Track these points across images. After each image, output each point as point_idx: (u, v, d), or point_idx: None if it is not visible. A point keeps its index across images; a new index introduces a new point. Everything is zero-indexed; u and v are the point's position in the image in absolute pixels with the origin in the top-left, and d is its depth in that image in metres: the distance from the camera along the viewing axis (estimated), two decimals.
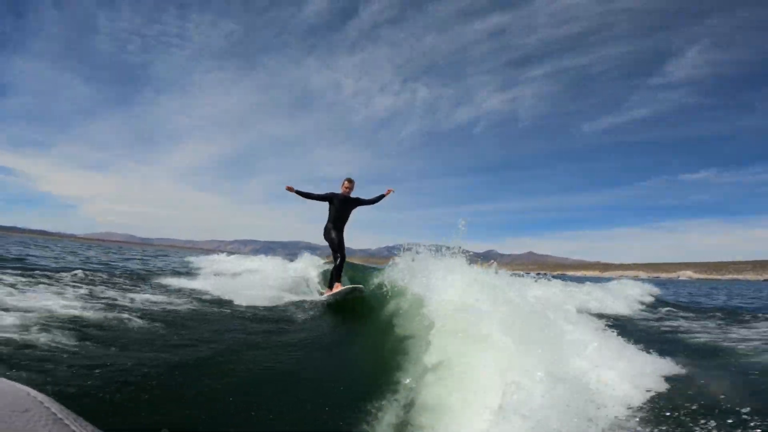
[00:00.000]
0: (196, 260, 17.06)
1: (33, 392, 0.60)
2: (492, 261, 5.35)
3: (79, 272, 7.82)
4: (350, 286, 6.56)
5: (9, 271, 7.18)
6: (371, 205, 7.07)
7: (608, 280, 14.35)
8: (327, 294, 6.71)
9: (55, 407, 0.59)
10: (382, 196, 7.02)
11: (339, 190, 6.96)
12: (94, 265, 11.93)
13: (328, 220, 6.85)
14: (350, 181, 6.88)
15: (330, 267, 7.31)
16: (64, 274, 7.39)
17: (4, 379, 0.61)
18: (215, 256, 18.29)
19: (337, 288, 6.54)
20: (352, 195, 6.92)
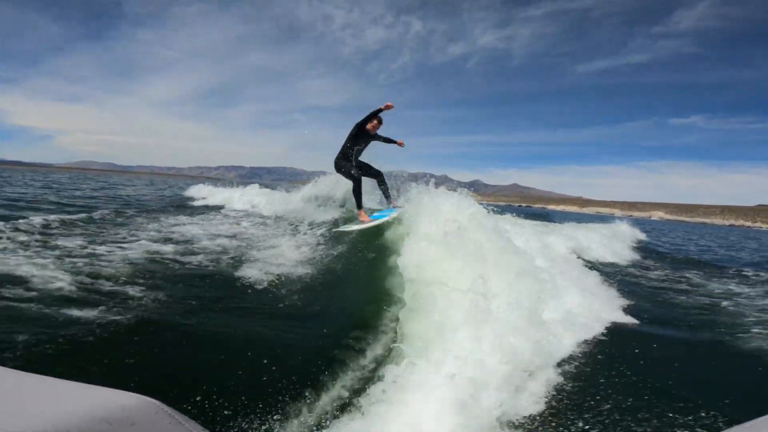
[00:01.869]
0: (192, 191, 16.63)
1: (152, 401, 0.65)
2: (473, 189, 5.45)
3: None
4: (372, 222, 6.37)
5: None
6: (380, 141, 7.05)
7: (586, 216, 14.49)
8: (360, 218, 6.63)
9: (171, 411, 0.66)
10: (393, 141, 7.06)
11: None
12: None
13: (341, 151, 6.80)
14: (380, 119, 6.74)
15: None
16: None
17: (127, 393, 0.66)
18: (206, 188, 17.74)
19: (362, 216, 6.57)
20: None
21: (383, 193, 7.27)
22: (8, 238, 4.66)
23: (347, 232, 6.23)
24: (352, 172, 6.72)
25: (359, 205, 6.70)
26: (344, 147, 6.82)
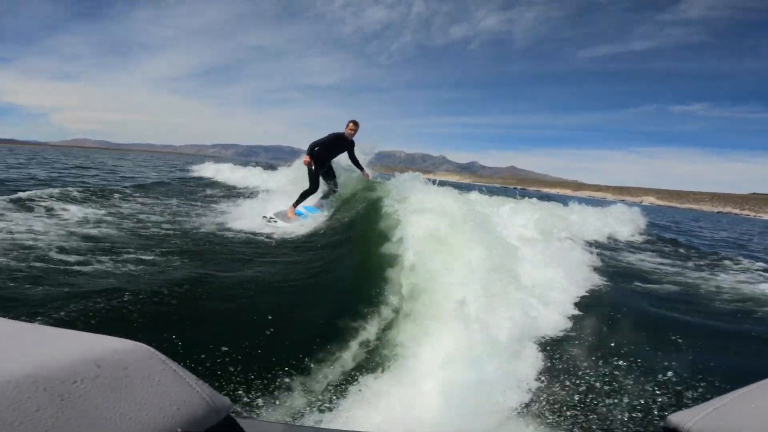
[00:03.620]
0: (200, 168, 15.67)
1: (144, 346, 0.63)
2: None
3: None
4: (298, 219, 6.75)
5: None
6: (353, 162, 7.20)
7: (579, 199, 14.35)
8: (288, 215, 6.89)
9: (164, 358, 0.64)
10: (360, 168, 7.22)
11: (342, 130, 7.00)
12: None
13: (314, 145, 6.80)
14: (355, 123, 6.91)
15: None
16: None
17: (118, 338, 0.63)
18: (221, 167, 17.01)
19: (291, 213, 6.82)
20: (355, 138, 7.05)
21: (324, 194, 7.37)
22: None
23: (274, 225, 6.52)
24: (313, 181, 6.89)
25: (296, 203, 6.94)
26: (321, 148, 6.85)
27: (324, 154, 6.98)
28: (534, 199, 10.82)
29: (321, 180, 7.10)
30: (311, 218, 6.76)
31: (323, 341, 2.79)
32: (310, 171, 6.90)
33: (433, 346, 2.76)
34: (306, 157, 6.66)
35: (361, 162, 7.28)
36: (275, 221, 6.56)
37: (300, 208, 7.01)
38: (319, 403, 2.27)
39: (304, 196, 6.97)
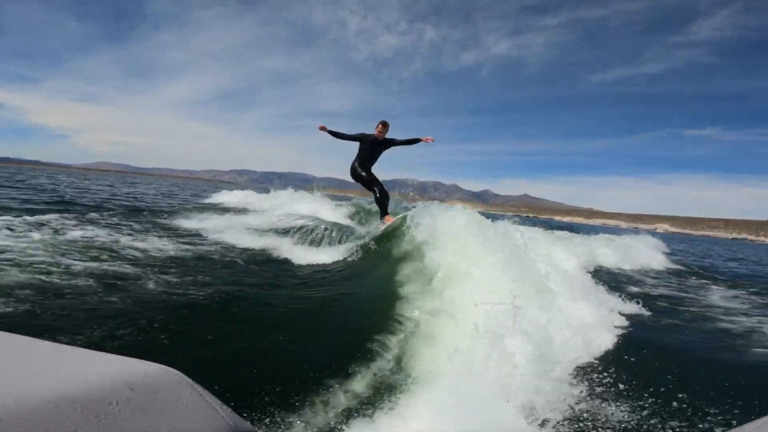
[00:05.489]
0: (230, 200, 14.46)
1: (174, 371, 0.66)
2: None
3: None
4: (400, 216, 6.65)
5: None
6: (403, 146, 7.08)
7: (592, 227, 14.35)
8: (383, 226, 6.80)
9: (192, 383, 0.66)
10: (418, 140, 6.79)
11: (370, 130, 7.00)
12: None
13: (355, 159, 6.97)
14: (384, 124, 6.87)
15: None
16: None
17: (149, 362, 0.66)
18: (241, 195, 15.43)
19: (389, 220, 6.71)
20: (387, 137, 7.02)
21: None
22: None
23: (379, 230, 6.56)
24: (372, 186, 6.99)
25: (384, 212, 6.98)
26: (359, 159, 6.95)
27: (364, 163, 7.01)
28: (565, 232, 10.96)
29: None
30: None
31: (344, 365, 2.81)
32: (362, 181, 7.00)
33: (453, 369, 2.73)
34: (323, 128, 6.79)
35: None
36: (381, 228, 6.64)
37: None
38: (338, 428, 2.27)
39: (383, 203, 6.99)
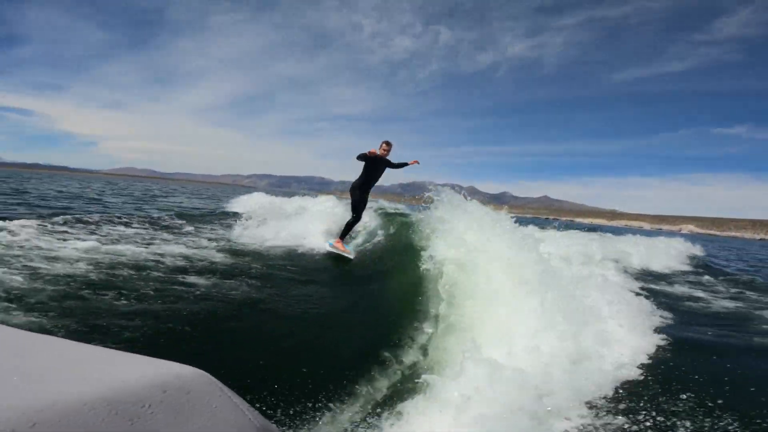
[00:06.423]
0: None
1: (204, 374, 0.67)
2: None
3: None
4: (350, 254, 6.81)
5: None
6: (393, 169, 7.25)
7: (616, 228, 14.00)
8: (330, 246, 6.93)
9: (222, 385, 0.68)
10: (405, 164, 7.20)
11: (375, 147, 7.03)
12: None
13: (358, 179, 7.04)
14: (389, 144, 6.98)
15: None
16: None
17: (181, 365, 0.67)
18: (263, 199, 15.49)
19: (338, 245, 6.84)
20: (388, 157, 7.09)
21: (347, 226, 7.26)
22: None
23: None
24: (358, 210, 7.00)
25: (343, 235, 7.03)
26: (363, 179, 6.94)
27: (370, 183, 7.06)
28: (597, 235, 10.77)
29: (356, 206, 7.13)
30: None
31: (367, 366, 2.84)
32: (353, 201, 7.02)
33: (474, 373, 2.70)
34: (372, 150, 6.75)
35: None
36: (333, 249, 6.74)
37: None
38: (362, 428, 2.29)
39: (350, 227, 7.09)
